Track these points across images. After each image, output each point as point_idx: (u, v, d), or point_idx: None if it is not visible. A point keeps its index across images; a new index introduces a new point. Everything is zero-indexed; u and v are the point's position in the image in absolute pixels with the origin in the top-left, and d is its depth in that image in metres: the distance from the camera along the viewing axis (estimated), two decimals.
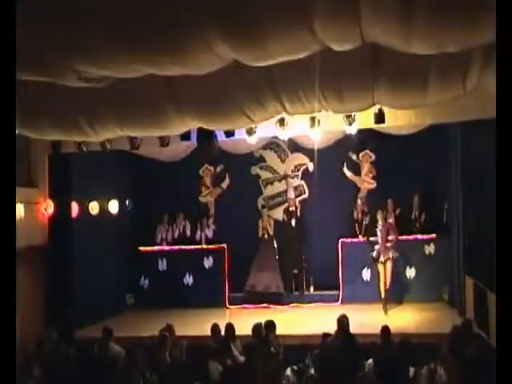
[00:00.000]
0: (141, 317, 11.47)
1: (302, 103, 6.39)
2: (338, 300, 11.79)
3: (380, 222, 10.95)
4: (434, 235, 11.68)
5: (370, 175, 12.65)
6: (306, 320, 10.66)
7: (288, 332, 9.07)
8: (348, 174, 12.61)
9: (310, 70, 5.74)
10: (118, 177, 12.32)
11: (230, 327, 7.71)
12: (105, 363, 7.13)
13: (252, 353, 6.86)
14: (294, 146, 12.63)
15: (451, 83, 5.83)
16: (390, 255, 10.80)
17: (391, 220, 11.76)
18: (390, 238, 10.85)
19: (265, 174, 13.34)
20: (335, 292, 11.86)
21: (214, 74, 5.41)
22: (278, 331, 7.76)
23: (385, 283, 10.77)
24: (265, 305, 11.89)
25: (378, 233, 10.91)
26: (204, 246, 12.65)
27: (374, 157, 12.61)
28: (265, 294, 12.05)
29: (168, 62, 4.93)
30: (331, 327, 7.77)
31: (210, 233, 12.78)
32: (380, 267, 10.82)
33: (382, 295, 10.80)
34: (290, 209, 12.51)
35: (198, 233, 12.81)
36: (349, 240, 11.94)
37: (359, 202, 12.26)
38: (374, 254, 10.87)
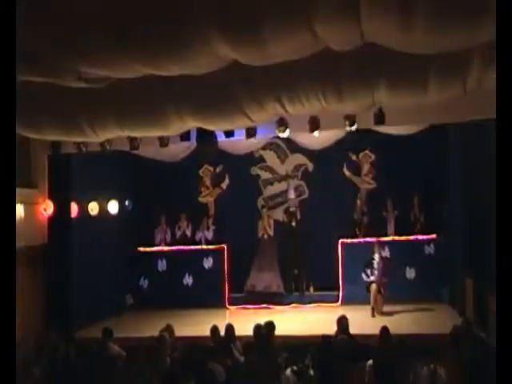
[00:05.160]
0: (140, 317, 11.46)
1: (301, 103, 6.38)
2: (337, 300, 11.79)
3: (376, 255, 10.86)
4: (434, 235, 11.69)
5: (370, 175, 12.66)
6: (306, 320, 10.65)
7: (288, 332, 9.06)
8: (348, 173, 12.62)
9: (309, 70, 5.74)
10: (117, 177, 12.32)
11: (229, 328, 7.72)
12: (104, 363, 7.12)
13: (252, 353, 6.86)
14: (294, 147, 12.63)
15: (451, 83, 5.83)
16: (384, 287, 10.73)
17: (391, 222, 11.85)
18: (385, 279, 10.74)
19: (265, 175, 13.34)
20: (335, 292, 11.86)
21: (214, 74, 5.42)
22: (278, 331, 7.76)
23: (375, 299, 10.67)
24: (265, 305, 11.89)
25: (375, 265, 10.77)
26: (204, 247, 12.64)
27: (373, 157, 12.62)
28: (265, 293, 12.05)
29: (168, 62, 4.94)
30: (331, 327, 7.78)
31: (209, 233, 12.78)
32: (372, 291, 10.69)
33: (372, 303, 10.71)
34: (291, 209, 12.51)
35: (198, 233, 12.81)
36: (349, 240, 11.93)
37: (359, 202, 12.27)
38: (372, 286, 10.70)
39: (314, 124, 7.81)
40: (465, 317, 9.23)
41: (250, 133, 8.35)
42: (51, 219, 10.49)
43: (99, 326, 8.45)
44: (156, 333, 7.71)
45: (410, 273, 11.67)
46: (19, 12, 4.05)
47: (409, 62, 5.38)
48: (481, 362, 6.06)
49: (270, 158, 13.29)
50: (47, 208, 10.44)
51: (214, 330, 7.82)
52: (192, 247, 12.62)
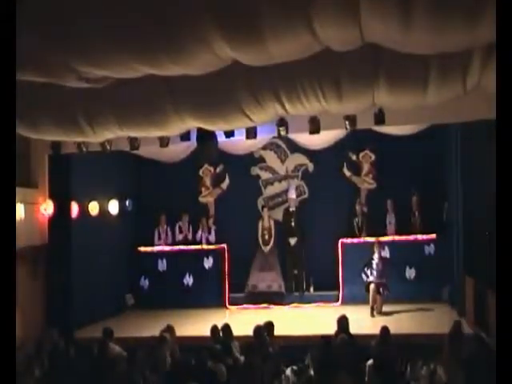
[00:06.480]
0: (141, 317, 11.46)
1: (301, 103, 6.38)
2: (337, 300, 11.78)
3: (376, 255, 10.86)
4: (434, 235, 11.67)
5: (370, 175, 12.65)
6: (306, 320, 10.65)
7: (288, 332, 9.06)
8: (348, 174, 12.61)
9: (309, 70, 5.74)
10: (118, 177, 12.31)
11: (227, 328, 7.75)
12: (105, 363, 7.12)
13: (252, 353, 6.86)
14: (294, 146, 12.63)
15: (451, 83, 5.83)
16: (383, 288, 10.69)
17: (391, 223, 11.89)
18: (383, 280, 10.70)
19: (265, 175, 13.33)
20: (335, 292, 11.85)
21: (214, 74, 5.42)
22: (279, 331, 7.76)
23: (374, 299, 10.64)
24: (265, 305, 11.88)
25: (374, 266, 10.76)
26: (204, 247, 12.62)
27: (373, 157, 12.60)
28: (266, 293, 12.05)
29: (168, 61, 4.94)
30: (331, 327, 7.79)
31: (210, 233, 12.76)
32: (371, 291, 10.69)
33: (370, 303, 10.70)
34: (291, 209, 12.51)
35: (198, 233, 12.79)
36: (349, 240, 11.93)
37: (359, 201, 12.27)
38: (371, 286, 10.68)
39: (314, 124, 7.81)
40: (465, 316, 9.25)
41: (250, 133, 8.35)
42: (51, 219, 10.49)
43: (99, 326, 8.45)
44: (156, 333, 7.72)
45: (410, 273, 11.65)
46: (19, 12, 4.05)
47: (409, 62, 5.38)
48: (481, 362, 6.05)
49: (270, 157, 13.27)
50: (47, 208, 10.44)
51: (214, 329, 7.84)
52: (192, 247, 12.60)
